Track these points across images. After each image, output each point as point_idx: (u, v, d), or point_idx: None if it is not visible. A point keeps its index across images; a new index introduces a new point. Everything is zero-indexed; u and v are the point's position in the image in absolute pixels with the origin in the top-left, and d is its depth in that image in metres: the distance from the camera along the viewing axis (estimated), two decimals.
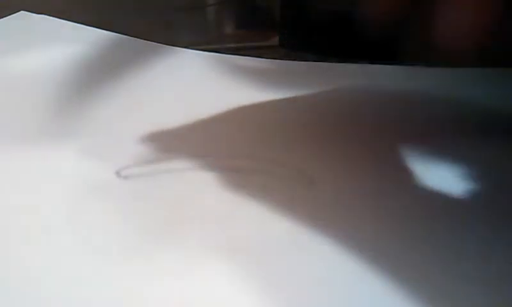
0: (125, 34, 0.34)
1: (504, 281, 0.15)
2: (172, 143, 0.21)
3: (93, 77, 0.29)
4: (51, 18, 0.37)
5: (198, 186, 0.19)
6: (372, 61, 0.28)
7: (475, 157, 0.21)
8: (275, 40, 0.34)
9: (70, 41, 0.33)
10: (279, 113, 0.23)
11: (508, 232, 0.16)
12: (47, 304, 0.14)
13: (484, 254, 0.16)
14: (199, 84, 0.29)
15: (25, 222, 0.17)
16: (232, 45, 0.36)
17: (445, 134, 0.22)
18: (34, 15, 0.38)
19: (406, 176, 0.19)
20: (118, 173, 0.20)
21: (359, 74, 0.28)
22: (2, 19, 0.37)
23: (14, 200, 0.18)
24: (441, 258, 0.16)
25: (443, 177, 0.19)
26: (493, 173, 0.20)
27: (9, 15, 0.38)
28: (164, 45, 0.33)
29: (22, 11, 0.38)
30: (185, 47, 0.33)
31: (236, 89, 0.27)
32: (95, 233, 0.16)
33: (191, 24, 0.42)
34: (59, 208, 0.18)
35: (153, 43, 0.33)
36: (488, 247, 0.16)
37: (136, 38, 0.34)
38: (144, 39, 0.34)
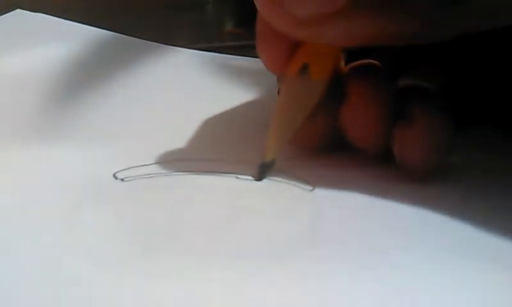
0: (123, 33, 0.34)
1: None
2: (170, 145, 0.21)
3: (90, 77, 0.29)
4: (48, 16, 0.37)
5: (196, 189, 0.19)
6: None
7: None
8: None
9: (67, 40, 0.33)
10: None
11: None
12: (45, 305, 0.14)
13: None
14: (197, 84, 0.29)
15: (22, 224, 0.17)
16: (231, 44, 0.36)
17: None
18: (30, 13, 0.37)
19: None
20: (115, 175, 0.19)
21: None
22: None
23: (12, 200, 0.18)
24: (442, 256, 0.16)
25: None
26: None
27: (6, 13, 0.37)
28: (163, 45, 0.33)
29: (18, 10, 0.38)
30: (184, 45, 0.33)
31: (235, 91, 0.27)
32: (91, 235, 0.16)
33: (190, 22, 0.42)
34: (56, 209, 0.18)
35: (151, 42, 0.33)
36: None
37: (133, 38, 0.34)
38: (143, 38, 0.34)
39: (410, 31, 0.17)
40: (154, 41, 0.33)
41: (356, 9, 0.17)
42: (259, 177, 0.19)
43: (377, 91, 0.19)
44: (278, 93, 0.20)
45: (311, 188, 0.19)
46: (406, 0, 0.16)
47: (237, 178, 0.19)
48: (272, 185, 0.19)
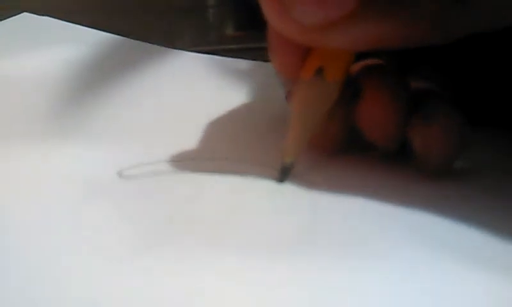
0: (126, 36, 0.35)
1: None
2: (173, 145, 0.21)
3: (94, 79, 0.29)
4: (53, 19, 0.37)
5: (197, 187, 0.19)
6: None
7: None
8: None
9: (72, 43, 0.33)
10: (279, 116, 0.23)
11: None
12: (48, 304, 0.14)
13: None
14: (199, 86, 0.29)
15: (26, 222, 0.17)
16: (232, 47, 0.36)
17: None
18: (36, 16, 0.38)
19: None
20: (119, 174, 0.20)
21: None
22: (4, 20, 0.37)
23: (15, 200, 0.18)
24: (438, 251, 0.16)
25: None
26: None
27: (12, 16, 0.38)
28: (164, 48, 0.33)
29: (24, 13, 0.38)
30: (185, 48, 0.34)
31: (236, 93, 0.27)
32: (96, 233, 0.16)
33: (191, 25, 0.43)
34: (60, 208, 0.18)
35: (153, 45, 0.33)
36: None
37: (136, 40, 0.34)
38: (146, 41, 0.34)
39: (418, 33, 0.17)
40: (157, 44, 0.34)
41: (363, 14, 0.17)
42: (281, 179, 0.19)
43: (393, 89, 0.19)
44: (286, 96, 0.20)
45: (310, 187, 0.19)
46: (414, 3, 0.16)
47: (239, 177, 0.20)
48: (273, 183, 0.19)
